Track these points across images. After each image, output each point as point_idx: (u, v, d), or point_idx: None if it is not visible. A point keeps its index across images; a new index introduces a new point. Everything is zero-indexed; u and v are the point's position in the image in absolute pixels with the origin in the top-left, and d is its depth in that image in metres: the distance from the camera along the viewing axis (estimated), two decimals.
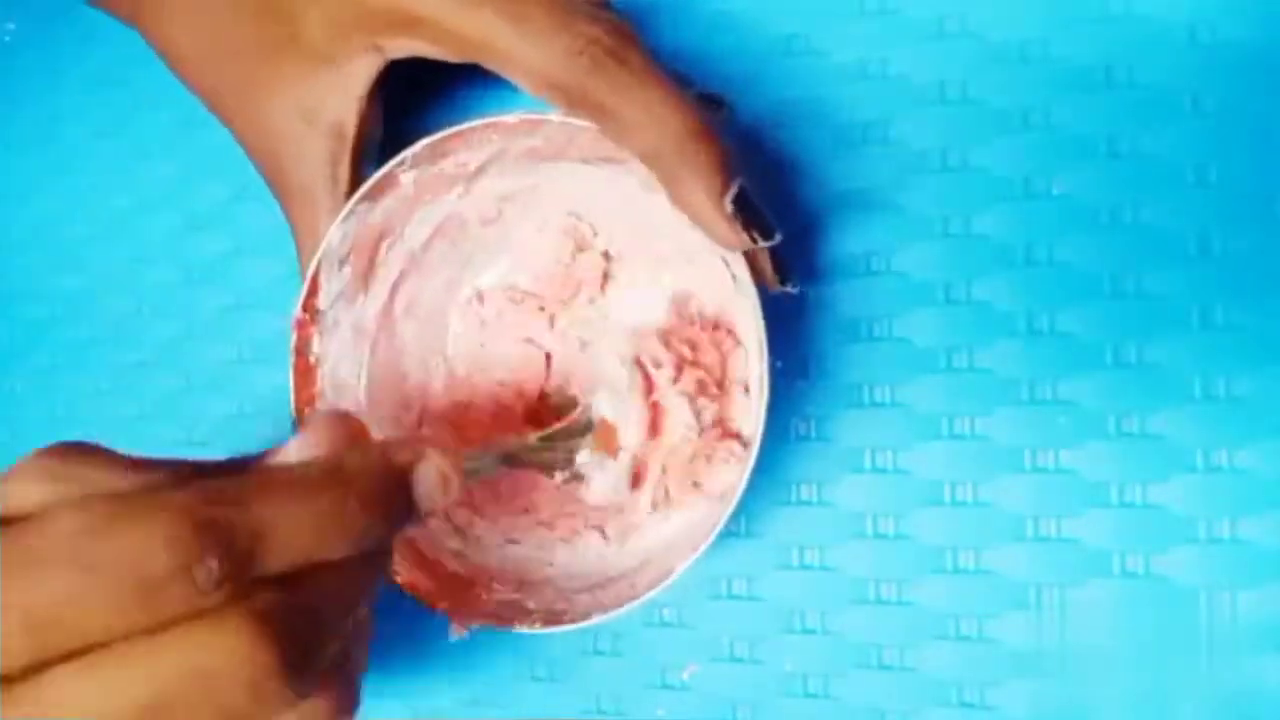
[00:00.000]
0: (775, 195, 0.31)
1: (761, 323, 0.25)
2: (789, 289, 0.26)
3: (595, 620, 0.26)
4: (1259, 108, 0.27)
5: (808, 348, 0.30)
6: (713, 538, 0.25)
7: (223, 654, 0.16)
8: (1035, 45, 0.28)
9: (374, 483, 0.20)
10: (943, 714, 0.29)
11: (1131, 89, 0.28)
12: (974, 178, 0.29)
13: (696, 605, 0.31)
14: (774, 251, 0.26)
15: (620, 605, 0.26)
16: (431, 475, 0.21)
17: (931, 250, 0.29)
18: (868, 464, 0.30)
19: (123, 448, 0.19)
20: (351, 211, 0.27)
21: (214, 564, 0.16)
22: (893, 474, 0.29)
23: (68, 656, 0.16)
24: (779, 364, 0.30)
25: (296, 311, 0.28)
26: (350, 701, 0.21)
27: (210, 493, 0.17)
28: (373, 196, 0.27)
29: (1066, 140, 0.28)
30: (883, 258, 0.30)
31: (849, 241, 0.30)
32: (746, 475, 0.25)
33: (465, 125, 0.26)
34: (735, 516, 0.30)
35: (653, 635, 0.31)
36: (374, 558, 0.20)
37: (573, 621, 0.26)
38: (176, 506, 0.17)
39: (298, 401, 0.28)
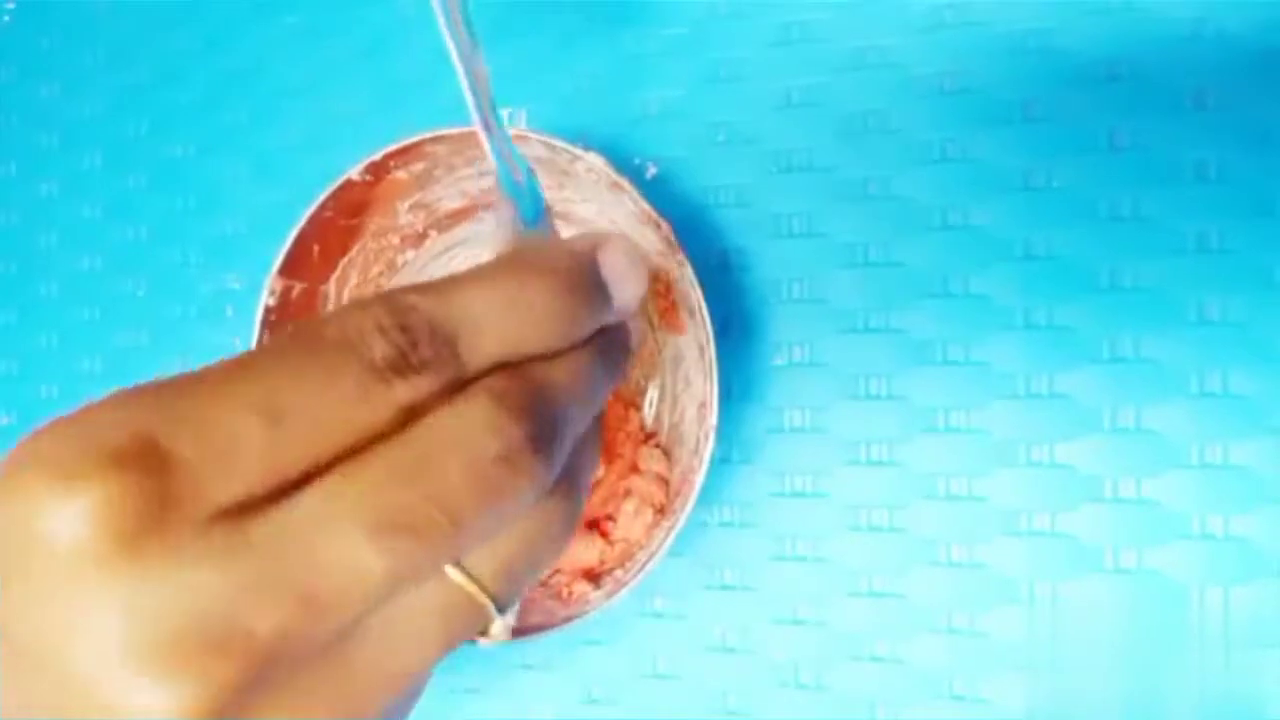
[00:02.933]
0: (774, 186, 0.30)
1: (702, 297, 0.25)
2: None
3: (579, 619, 0.26)
4: (1260, 103, 0.26)
5: (803, 338, 0.30)
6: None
7: (472, 429, 0.15)
8: (1038, 37, 0.28)
9: (559, 264, 0.18)
10: (934, 706, 0.29)
11: (1134, 83, 0.27)
12: (973, 170, 0.29)
13: (689, 595, 0.31)
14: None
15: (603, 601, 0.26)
16: (618, 259, 0.19)
17: (930, 243, 0.29)
18: (863, 456, 0.29)
19: None
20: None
21: (426, 350, 0.15)
22: (888, 466, 0.29)
23: (308, 475, 0.15)
24: (779, 359, 0.30)
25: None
26: (576, 516, 0.18)
27: (397, 297, 0.16)
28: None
29: (1067, 133, 0.28)
30: (881, 249, 0.29)
31: (847, 233, 0.30)
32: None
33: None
34: (728, 507, 0.30)
35: (645, 625, 0.31)
36: (591, 353, 0.18)
37: (566, 622, 0.26)
38: (378, 301, 0.16)
39: None
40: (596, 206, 0.27)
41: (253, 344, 0.27)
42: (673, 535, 0.25)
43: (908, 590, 0.29)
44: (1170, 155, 0.27)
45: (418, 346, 0.16)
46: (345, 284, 0.29)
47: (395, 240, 0.29)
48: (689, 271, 0.25)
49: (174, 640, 0.14)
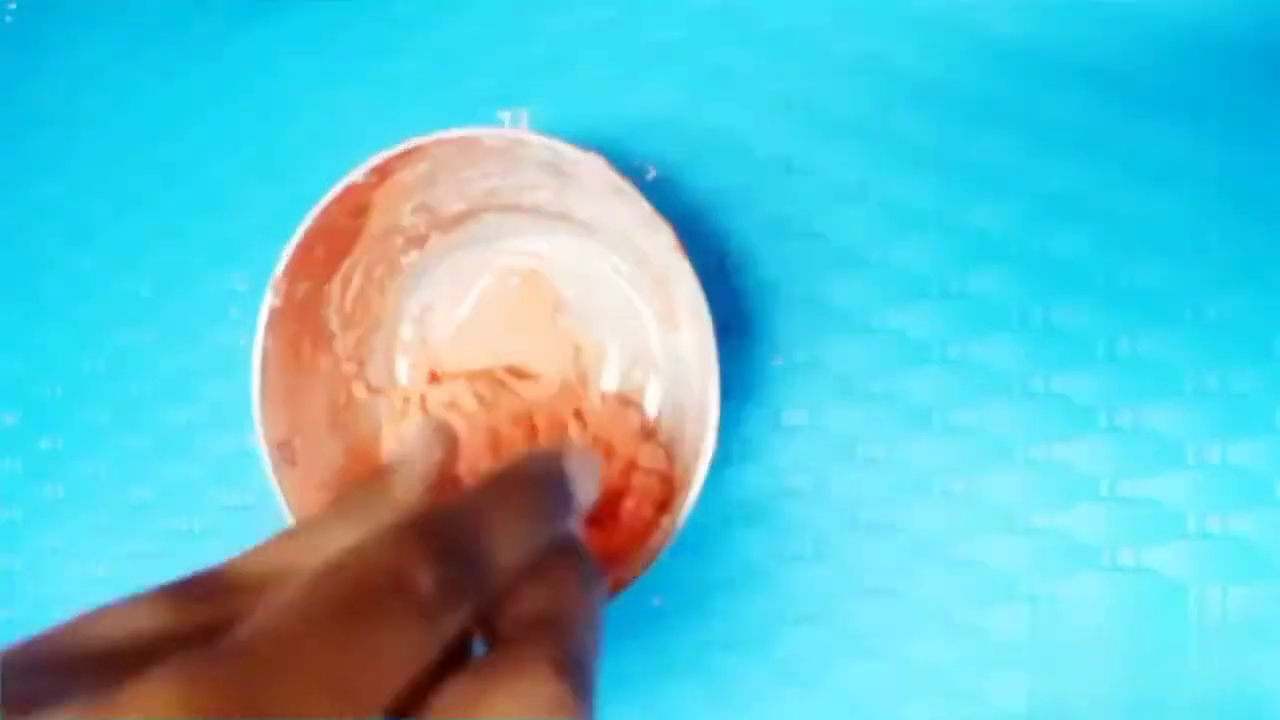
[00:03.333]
0: (766, 186, 0.31)
1: (704, 300, 0.25)
2: None
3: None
4: (1259, 105, 0.27)
5: (803, 338, 0.30)
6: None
7: (533, 703, 0.16)
8: (1035, 41, 0.28)
9: (540, 475, 0.19)
10: (932, 703, 0.29)
11: (1133, 83, 0.28)
12: (971, 172, 0.29)
13: (688, 592, 0.31)
14: None
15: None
16: (581, 464, 0.20)
17: (927, 243, 0.29)
18: (860, 454, 0.30)
19: None
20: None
21: (465, 581, 0.16)
22: (885, 465, 0.29)
23: None
24: (780, 359, 0.30)
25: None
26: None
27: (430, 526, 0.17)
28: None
29: (1064, 135, 0.28)
30: (879, 250, 0.30)
31: (846, 234, 0.30)
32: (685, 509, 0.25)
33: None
34: (728, 504, 0.31)
35: (645, 622, 0.32)
36: (579, 577, 0.19)
37: None
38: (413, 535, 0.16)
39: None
40: (597, 209, 0.27)
41: (257, 345, 0.27)
42: (673, 534, 0.26)
43: (906, 587, 0.29)
44: (1170, 155, 0.27)
45: (459, 580, 0.16)
46: (349, 284, 0.29)
47: (399, 241, 0.29)
48: (690, 272, 0.25)
49: None
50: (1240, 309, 0.27)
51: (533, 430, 0.31)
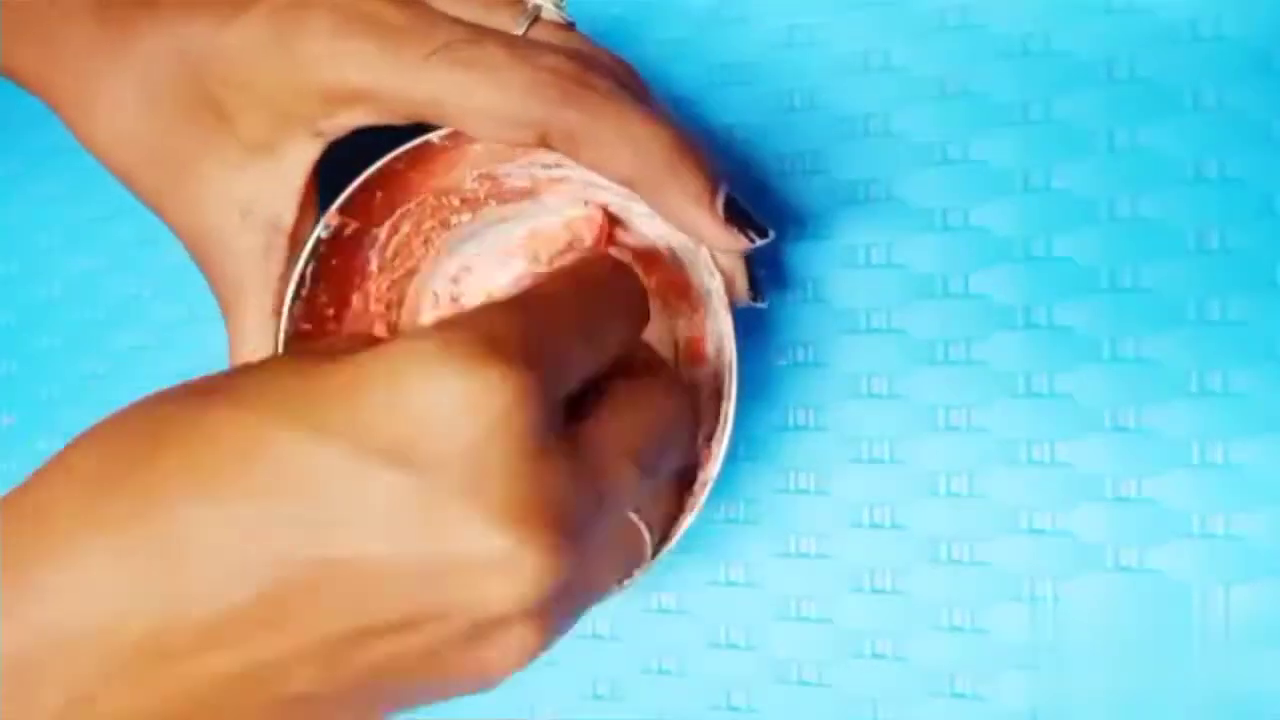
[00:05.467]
0: (775, 187, 0.31)
1: (734, 345, 0.25)
2: (759, 303, 0.26)
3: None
4: (1259, 103, 0.27)
5: (807, 338, 0.30)
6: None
7: (671, 403, 0.23)
8: (1037, 39, 0.28)
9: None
10: (935, 704, 0.29)
11: (1132, 83, 0.28)
12: (974, 171, 0.29)
13: (694, 591, 0.31)
14: (749, 265, 0.26)
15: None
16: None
17: (930, 243, 0.29)
18: (865, 454, 0.30)
19: None
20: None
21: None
22: (889, 464, 0.29)
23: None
24: (783, 360, 0.30)
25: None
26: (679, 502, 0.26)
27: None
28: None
29: (1066, 134, 0.28)
30: (882, 250, 0.30)
31: (848, 233, 0.30)
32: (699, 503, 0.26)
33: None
34: (734, 503, 0.31)
35: (650, 621, 0.32)
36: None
37: None
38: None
39: None
40: (655, 227, 0.27)
41: (294, 274, 0.27)
42: (678, 535, 0.26)
43: (909, 587, 0.29)
44: (1170, 155, 0.27)
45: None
46: (397, 231, 0.29)
47: (455, 201, 0.29)
48: (721, 306, 0.25)
49: (538, 509, 0.18)
50: (1244, 309, 0.27)
51: None
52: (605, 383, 0.21)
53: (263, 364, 0.20)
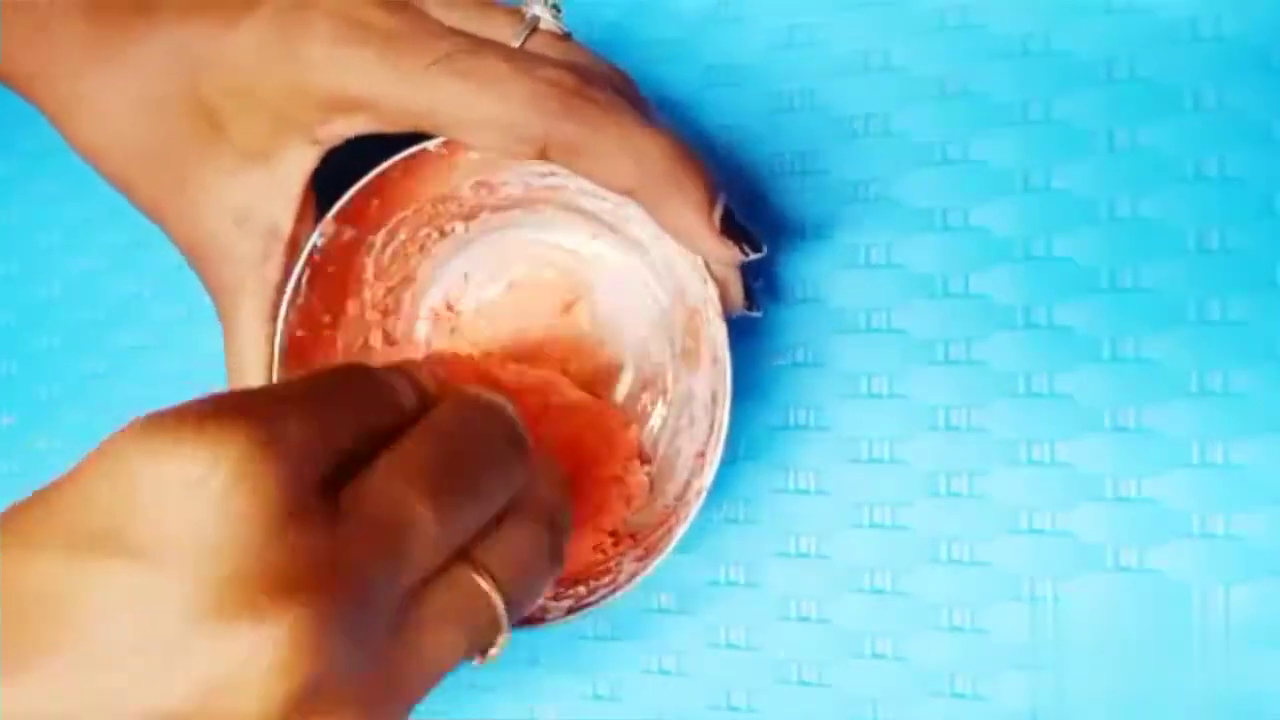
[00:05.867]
0: (774, 188, 0.31)
1: (728, 353, 0.25)
2: (754, 312, 0.26)
3: (578, 615, 0.26)
4: (1259, 103, 0.27)
5: (807, 338, 0.30)
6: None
7: (486, 419, 0.22)
8: (1037, 39, 0.28)
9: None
10: (935, 704, 0.29)
11: (1132, 83, 0.28)
12: (974, 171, 0.29)
13: (693, 591, 0.31)
14: (744, 275, 0.26)
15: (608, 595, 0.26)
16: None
17: (930, 243, 0.29)
18: (865, 454, 0.30)
19: None
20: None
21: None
22: (889, 464, 0.29)
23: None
24: (782, 359, 0.30)
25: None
26: (563, 544, 0.23)
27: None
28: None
29: (1066, 134, 0.28)
30: (881, 250, 0.30)
31: (848, 233, 0.30)
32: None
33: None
34: (734, 503, 0.31)
35: (650, 621, 0.32)
36: None
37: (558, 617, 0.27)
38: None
39: None
40: (652, 231, 0.27)
41: (290, 281, 0.27)
42: (678, 534, 0.26)
43: (909, 587, 0.29)
44: (1170, 155, 0.27)
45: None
46: (393, 238, 0.29)
47: (452, 208, 0.29)
48: (716, 315, 0.25)
49: (278, 581, 0.16)
50: (1244, 309, 0.27)
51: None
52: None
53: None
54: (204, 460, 0.15)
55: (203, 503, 0.15)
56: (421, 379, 0.21)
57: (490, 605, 0.20)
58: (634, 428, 0.30)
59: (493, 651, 0.21)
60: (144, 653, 0.15)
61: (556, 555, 0.22)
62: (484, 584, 0.20)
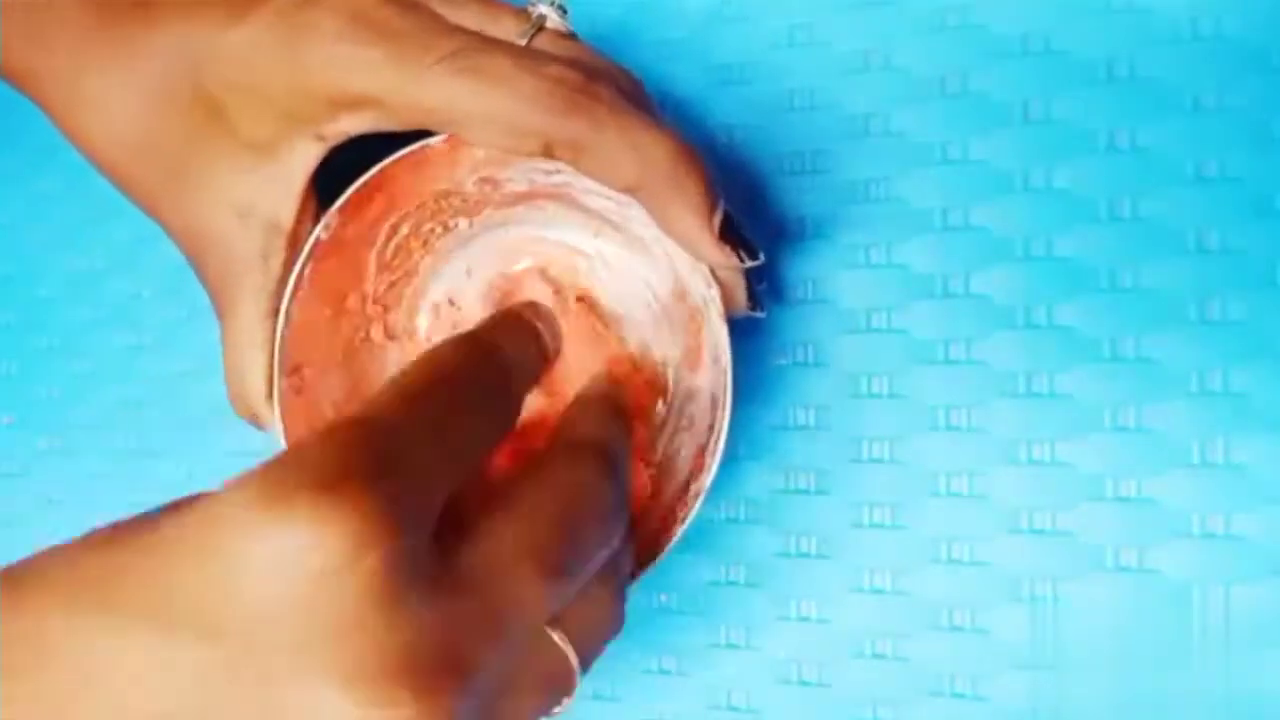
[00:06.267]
0: (775, 187, 0.31)
1: (730, 355, 0.25)
2: (758, 313, 0.26)
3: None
4: (1259, 103, 0.27)
5: (807, 338, 0.30)
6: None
7: (591, 490, 0.21)
8: (1037, 38, 0.28)
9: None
10: (934, 704, 0.29)
11: (1132, 83, 0.28)
12: (974, 171, 0.29)
13: (693, 591, 0.31)
14: (747, 277, 0.26)
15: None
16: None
17: (930, 243, 0.29)
18: (865, 454, 0.30)
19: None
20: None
21: None
22: (889, 464, 0.29)
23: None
24: (784, 359, 0.30)
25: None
26: (622, 607, 0.23)
27: None
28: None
29: (1066, 134, 0.28)
30: (882, 250, 0.30)
31: (848, 233, 0.30)
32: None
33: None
34: (734, 503, 0.31)
35: (651, 621, 0.32)
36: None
37: None
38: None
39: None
40: (657, 231, 0.27)
41: (293, 273, 0.27)
42: (679, 534, 0.26)
43: (910, 587, 0.29)
44: (1170, 155, 0.27)
45: None
46: (396, 233, 0.29)
47: (455, 204, 0.29)
48: (717, 315, 0.25)
49: (399, 662, 0.15)
50: (1244, 309, 0.27)
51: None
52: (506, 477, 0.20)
53: (65, 547, 0.17)
54: (313, 535, 0.15)
55: (311, 581, 0.15)
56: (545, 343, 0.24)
57: (570, 671, 0.20)
58: (639, 429, 0.30)
59: (557, 710, 0.21)
60: None
61: (621, 615, 0.23)
62: (568, 650, 0.20)
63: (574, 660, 0.20)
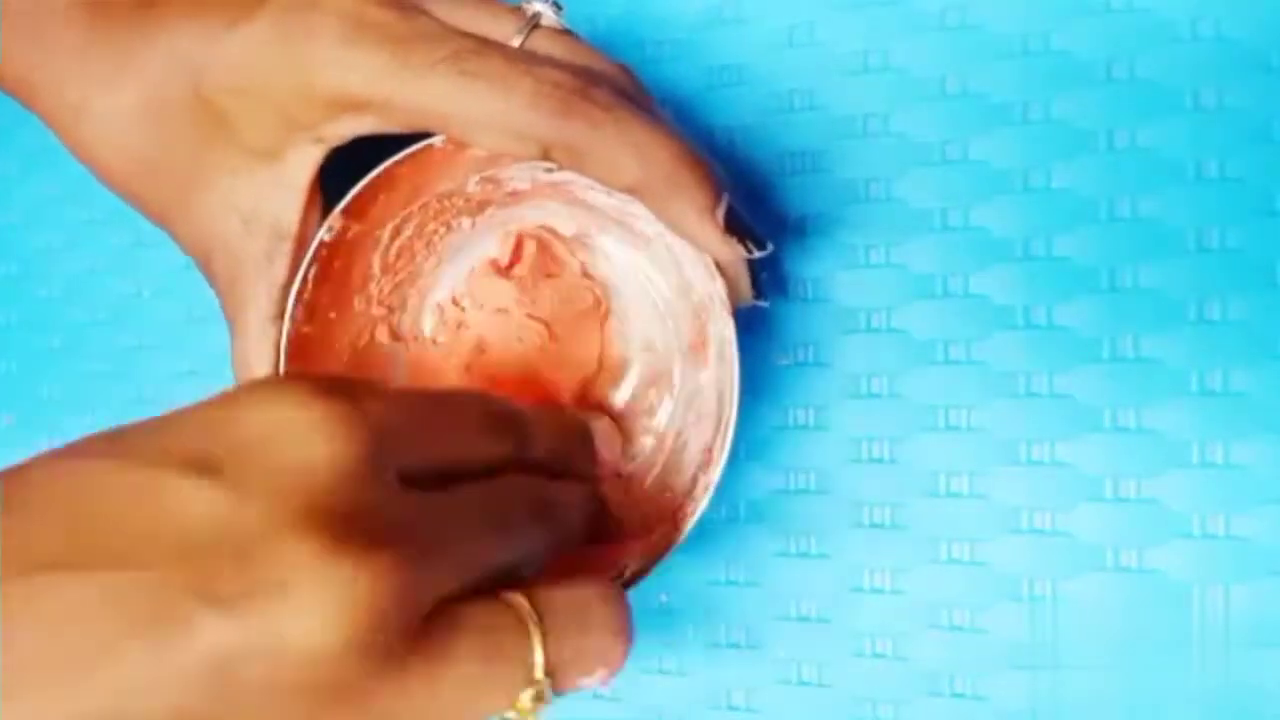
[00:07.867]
0: (774, 187, 0.31)
1: (736, 349, 0.25)
2: (761, 302, 0.27)
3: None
4: (1259, 103, 0.27)
5: (807, 338, 0.30)
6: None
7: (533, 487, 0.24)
8: (1036, 38, 0.28)
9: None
10: (934, 703, 0.29)
11: (1132, 83, 0.28)
12: (973, 171, 0.29)
13: (693, 591, 0.31)
14: (751, 266, 0.26)
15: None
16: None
17: (930, 243, 0.29)
18: (865, 454, 0.30)
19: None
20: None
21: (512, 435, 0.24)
22: (889, 464, 0.29)
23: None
24: (784, 359, 0.30)
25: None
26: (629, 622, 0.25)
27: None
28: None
29: (1066, 134, 0.28)
30: (882, 250, 0.30)
31: (848, 233, 0.30)
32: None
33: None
34: (734, 503, 0.31)
35: (650, 621, 0.32)
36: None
37: None
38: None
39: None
40: (658, 227, 0.27)
41: (298, 277, 0.27)
42: (682, 535, 0.26)
43: (910, 587, 0.29)
44: (1170, 155, 0.27)
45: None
46: (400, 234, 0.29)
47: (458, 204, 0.29)
48: (723, 310, 0.25)
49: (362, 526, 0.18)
50: (1244, 309, 0.27)
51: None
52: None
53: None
54: (320, 418, 0.19)
55: (311, 451, 0.18)
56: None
57: (525, 634, 0.21)
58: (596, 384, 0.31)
59: (536, 700, 0.21)
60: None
61: (621, 615, 0.24)
62: (523, 611, 0.21)
63: (533, 627, 0.21)
